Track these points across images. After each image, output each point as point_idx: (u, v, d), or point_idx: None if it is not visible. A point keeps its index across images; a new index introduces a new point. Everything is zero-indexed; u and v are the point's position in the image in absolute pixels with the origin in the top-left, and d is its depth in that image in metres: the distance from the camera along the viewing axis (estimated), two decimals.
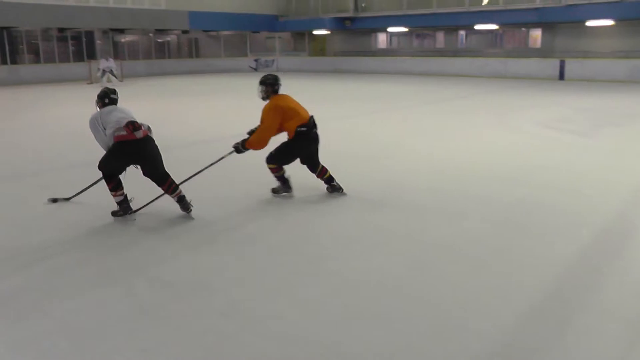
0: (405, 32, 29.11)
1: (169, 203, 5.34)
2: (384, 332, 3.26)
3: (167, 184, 5.25)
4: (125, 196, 5.32)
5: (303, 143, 5.67)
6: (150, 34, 30.41)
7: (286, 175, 5.86)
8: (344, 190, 5.96)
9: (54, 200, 5.79)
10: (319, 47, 33.27)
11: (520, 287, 3.85)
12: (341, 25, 29.55)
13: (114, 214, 5.32)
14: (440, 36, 28.46)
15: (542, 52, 24.19)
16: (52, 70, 25.19)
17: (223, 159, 5.84)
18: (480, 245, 4.64)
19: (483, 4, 24.26)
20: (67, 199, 5.82)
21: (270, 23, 32.09)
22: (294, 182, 5.92)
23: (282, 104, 5.55)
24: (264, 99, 5.65)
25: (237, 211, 5.59)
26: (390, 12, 27.23)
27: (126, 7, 26.53)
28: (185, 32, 30.72)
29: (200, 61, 32.01)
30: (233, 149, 5.72)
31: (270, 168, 5.77)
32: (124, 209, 5.32)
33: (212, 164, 5.84)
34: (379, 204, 5.82)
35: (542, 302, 3.64)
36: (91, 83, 23.04)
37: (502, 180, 6.65)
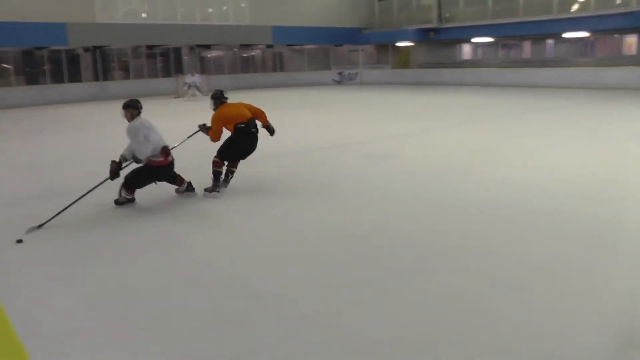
0: (491, 42, 28.43)
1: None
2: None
3: (177, 180, 6.60)
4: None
5: (240, 137, 6.82)
6: (235, 49, 31.23)
7: (222, 175, 6.85)
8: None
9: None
10: (403, 59, 33.03)
11: (596, 312, 3.61)
12: (425, 36, 29.24)
13: (117, 202, 6.30)
14: (526, 46, 27.59)
15: (639, 60, 22.89)
16: (140, 86, 26.25)
17: (191, 137, 7.17)
18: (559, 263, 4.42)
19: (572, 10, 23.26)
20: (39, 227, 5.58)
21: (353, 36, 32.26)
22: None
23: (225, 111, 6.89)
24: (213, 110, 6.99)
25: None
26: (475, 22, 26.68)
27: (212, 24, 27.48)
28: (269, 46, 31.37)
29: (285, 75, 32.54)
30: (199, 129, 7.09)
31: (213, 161, 6.78)
32: (127, 200, 6.35)
33: (184, 140, 7.02)
34: (472, 218, 5.68)
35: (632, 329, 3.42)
36: (178, 97, 23.92)
37: (586, 198, 6.31)
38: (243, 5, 28.55)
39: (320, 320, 3.55)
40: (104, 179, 6.15)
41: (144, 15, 25.93)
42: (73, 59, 25.51)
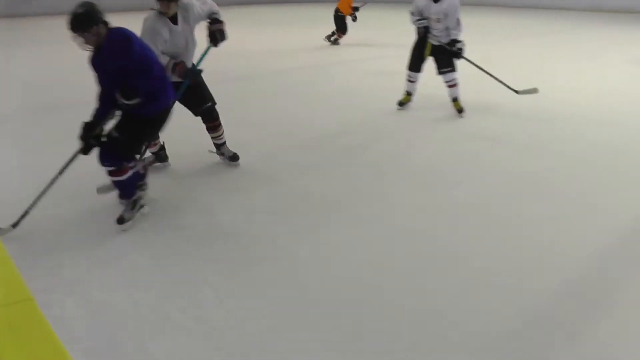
0: None
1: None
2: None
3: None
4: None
5: None
6: None
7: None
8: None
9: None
10: None
11: (598, 224, 3.75)
12: None
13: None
14: None
15: None
16: None
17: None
18: (562, 181, 4.55)
19: None
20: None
21: None
22: None
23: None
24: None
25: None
26: None
27: None
28: None
29: None
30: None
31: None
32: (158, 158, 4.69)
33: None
34: (467, 134, 5.80)
35: (619, 242, 3.53)
36: None
37: (589, 121, 6.30)
38: None
39: None
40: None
41: None
42: None
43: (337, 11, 12.21)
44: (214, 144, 4.90)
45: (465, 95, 6.53)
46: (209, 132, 4.82)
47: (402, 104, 6.75)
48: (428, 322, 2.73)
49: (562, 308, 2.86)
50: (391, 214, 3.97)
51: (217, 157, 4.98)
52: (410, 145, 5.53)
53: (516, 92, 6.66)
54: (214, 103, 4.67)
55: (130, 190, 3.87)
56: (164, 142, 4.84)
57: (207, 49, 4.56)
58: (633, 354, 2.51)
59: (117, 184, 3.82)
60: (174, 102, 4.01)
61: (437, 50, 6.25)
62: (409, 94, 6.73)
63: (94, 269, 3.26)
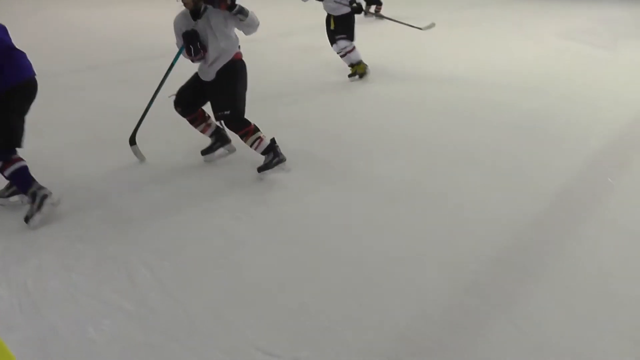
0: None
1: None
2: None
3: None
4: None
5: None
6: None
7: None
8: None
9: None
10: None
11: (527, 192, 3.90)
12: None
13: (262, 168, 4.16)
14: None
15: None
16: None
17: None
18: (491, 150, 4.70)
19: None
20: None
21: None
22: None
23: None
24: None
25: None
26: None
27: None
28: None
29: None
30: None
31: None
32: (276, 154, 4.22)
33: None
34: (401, 107, 5.95)
35: (547, 209, 3.70)
36: None
37: (517, 89, 6.55)
38: None
39: None
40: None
41: None
42: None
43: None
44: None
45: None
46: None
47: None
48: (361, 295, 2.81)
49: (494, 275, 2.99)
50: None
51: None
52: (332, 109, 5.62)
53: (420, 29, 7.51)
54: (235, 112, 4.10)
55: (22, 181, 3.59)
56: (221, 122, 4.24)
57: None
58: (561, 319, 2.64)
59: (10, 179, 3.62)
60: (27, 78, 3.60)
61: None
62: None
63: (28, 256, 3.19)
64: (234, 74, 4.14)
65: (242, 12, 3.93)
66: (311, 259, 3.14)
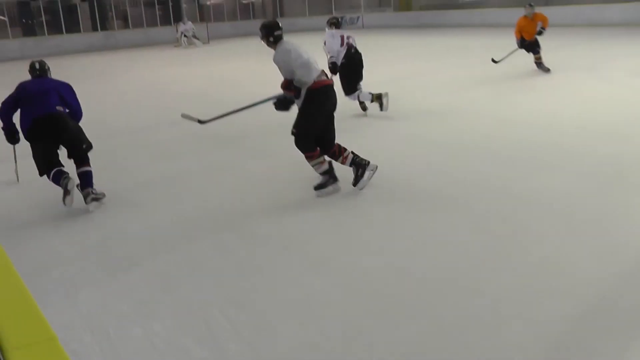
0: None
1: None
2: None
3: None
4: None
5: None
6: None
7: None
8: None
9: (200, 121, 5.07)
10: (405, 2, 32.33)
11: (608, 246, 3.65)
12: None
13: (318, 187, 4.75)
14: None
15: None
16: (140, 35, 26.38)
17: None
18: (569, 199, 4.47)
19: None
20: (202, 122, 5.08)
21: None
22: None
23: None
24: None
25: None
26: None
27: None
28: None
29: (285, 20, 31.93)
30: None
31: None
32: (332, 177, 4.76)
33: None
34: (468, 152, 5.84)
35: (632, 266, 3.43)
36: (178, 46, 23.62)
37: (593, 133, 6.31)
38: None
39: None
40: (268, 98, 5.00)
41: None
42: (70, 9, 25.15)
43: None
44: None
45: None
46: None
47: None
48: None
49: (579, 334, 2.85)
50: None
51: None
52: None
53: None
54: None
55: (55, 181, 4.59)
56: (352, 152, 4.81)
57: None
58: None
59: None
60: (36, 120, 4.58)
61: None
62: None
63: (110, 303, 3.28)
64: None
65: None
66: (392, 314, 3.06)
